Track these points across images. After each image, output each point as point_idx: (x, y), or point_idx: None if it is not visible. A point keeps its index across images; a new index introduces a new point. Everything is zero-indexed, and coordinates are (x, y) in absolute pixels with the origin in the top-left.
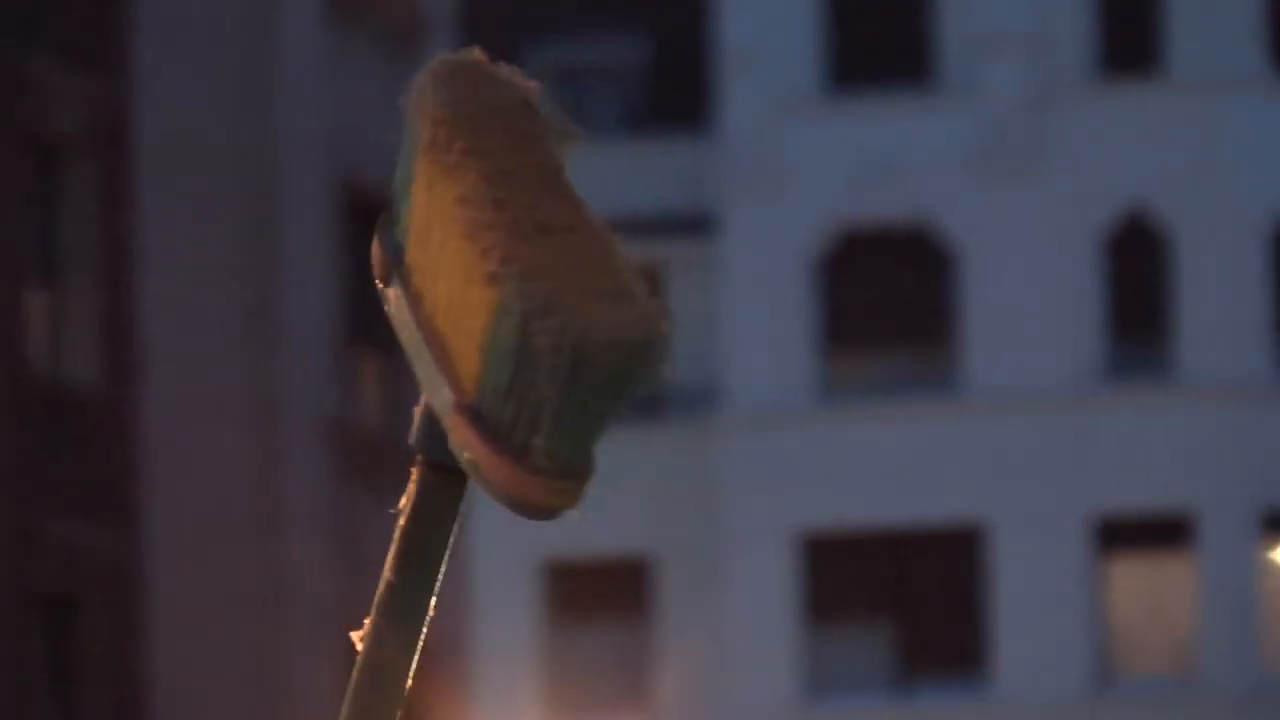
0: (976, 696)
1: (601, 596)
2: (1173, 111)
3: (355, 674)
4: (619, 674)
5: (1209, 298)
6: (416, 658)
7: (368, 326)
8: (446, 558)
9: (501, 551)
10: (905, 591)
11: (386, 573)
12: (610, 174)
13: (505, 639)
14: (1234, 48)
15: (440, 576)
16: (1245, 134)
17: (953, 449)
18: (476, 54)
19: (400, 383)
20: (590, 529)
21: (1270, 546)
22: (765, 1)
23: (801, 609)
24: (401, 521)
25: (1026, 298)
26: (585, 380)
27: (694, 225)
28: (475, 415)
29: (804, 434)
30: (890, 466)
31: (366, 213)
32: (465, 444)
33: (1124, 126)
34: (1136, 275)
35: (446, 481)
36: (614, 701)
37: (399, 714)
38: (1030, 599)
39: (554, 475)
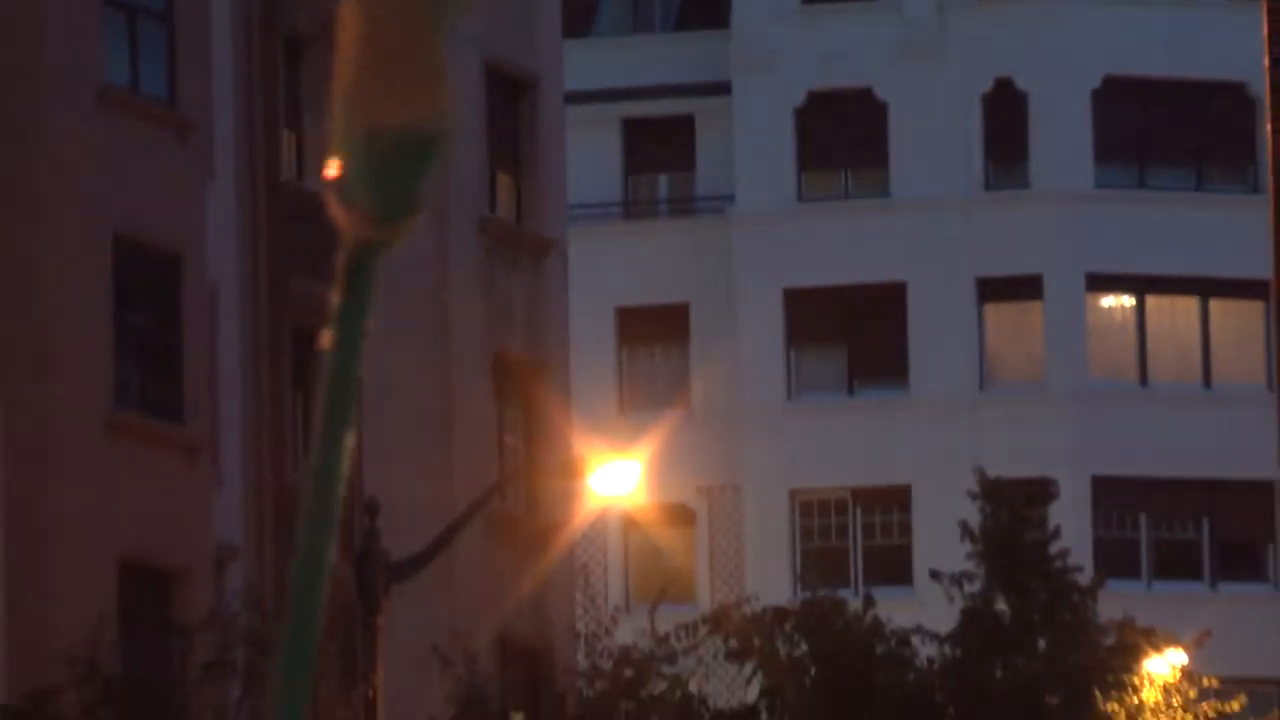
0: (901, 396)
1: (655, 330)
2: (1033, 13)
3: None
4: (667, 384)
5: (1055, 132)
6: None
7: None
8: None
9: (586, 300)
10: (853, 327)
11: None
12: (660, 56)
13: (592, 361)
14: None
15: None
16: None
17: (886, 234)
18: None
19: None
20: (647, 285)
21: (1095, 298)
22: None
23: (787, 339)
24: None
25: (933, 135)
26: (386, 155)
27: (716, 90)
28: (334, 186)
29: (788, 224)
30: (844, 244)
31: None
32: (331, 207)
33: (996, 23)
34: (1003, 122)
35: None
36: (664, 402)
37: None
38: (936, 333)
39: (377, 220)
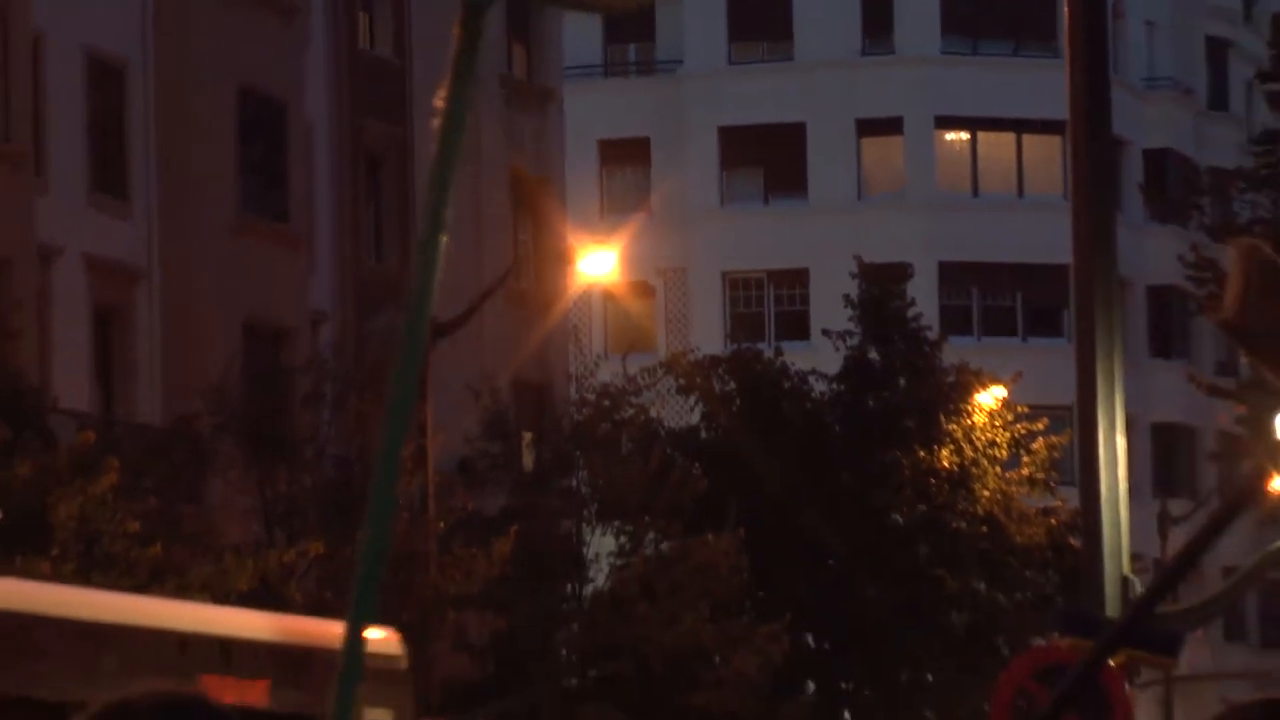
0: (803, 204)
1: (626, 156)
2: None
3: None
4: (635, 195)
5: (912, 8)
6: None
7: None
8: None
9: (576, 134)
10: (768, 155)
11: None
12: None
13: (581, 177)
14: None
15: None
16: None
17: (792, 86)
18: None
19: None
20: (620, 124)
21: (941, 134)
22: None
23: (720, 163)
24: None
25: (825, 9)
26: None
27: None
28: None
29: (722, 81)
30: (762, 94)
31: None
32: None
33: None
34: (877, 3)
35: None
36: (633, 208)
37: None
38: (827, 158)
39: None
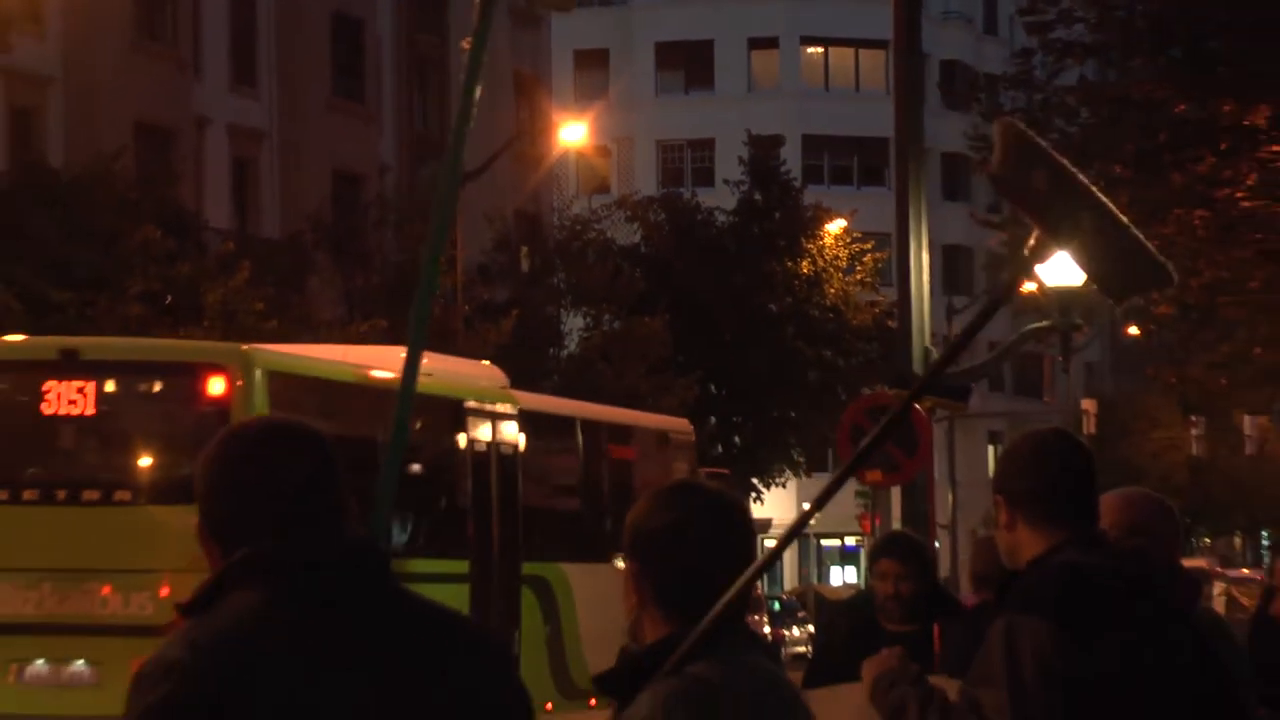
0: (710, 94)
1: (593, 62)
2: None
3: None
4: (599, 89)
5: None
6: None
7: None
8: None
9: (558, 47)
10: (689, 55)
11: None
12: None
13: (561, 76)
14: None
15: None
16: None
17: (702, 15)
18: None
19: None
20: (589, 39)
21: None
22: None
23: (655, 67)
24: None
25: None
26: None
27: None
28: None
29: (655, 13)
30: (683, 22)
31: None
32: None
33: None
34: None
35: None
36: (597, 97)
37: None
38: (734, 71)
39: None
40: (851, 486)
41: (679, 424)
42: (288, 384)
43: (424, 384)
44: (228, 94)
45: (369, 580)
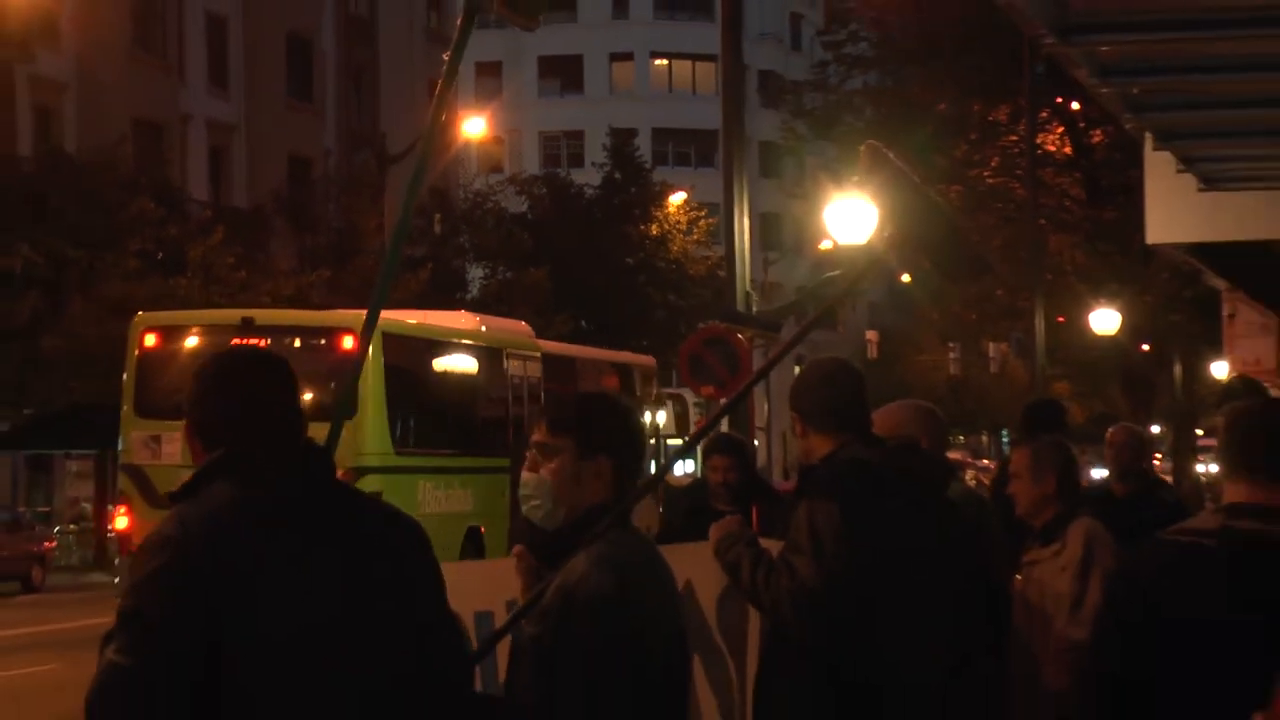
0: (580, 98)
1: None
2: None
3: None
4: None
5: None
6: None
7: None
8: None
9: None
10: (564, 66)
11: None
12: None
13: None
14: None
15: None
16: None
17: (574, 35)
18: None
19: None
20: (483, 51)
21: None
22: None
23: (537, 79)
24: None
25: None
26: None
27: None
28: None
29: (540, 29)
30: (560, 40)
31: None
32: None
33: None
34: None
35: None
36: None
37: None
38: (601, 47)
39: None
40: (690, 398)
41: (645, 360)
42: (392, 340)
43: (478, 337)
44: (206, 95)
45: (317, 474)
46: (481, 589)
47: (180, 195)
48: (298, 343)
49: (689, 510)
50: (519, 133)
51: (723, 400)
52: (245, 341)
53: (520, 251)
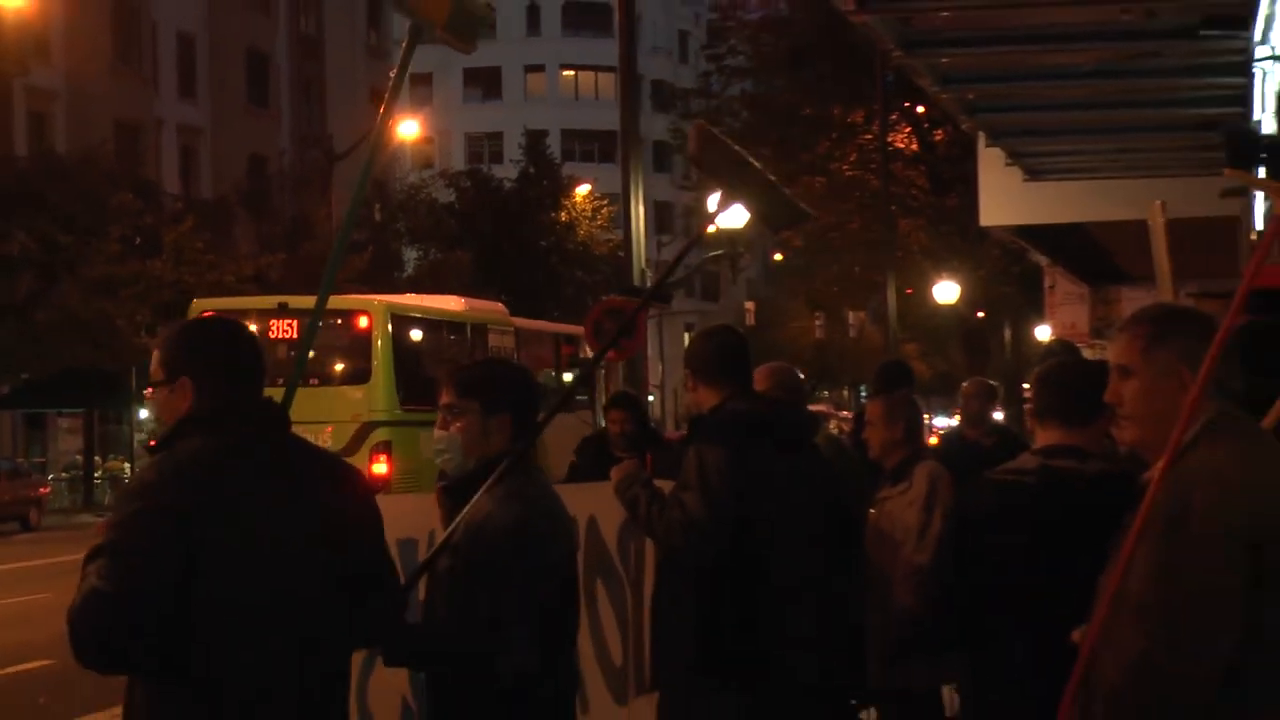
0: (499, 103)
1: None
2: None
3: None
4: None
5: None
6: None
7: None
8: None
9: None
10: (485, 76)
11: None
12: None
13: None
14: None
15: None
16: None
17: (495, 50)
18: None
19: None
20: (417, 64)
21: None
22: None
23: (462, 87)
24: None
25: None
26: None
27: None
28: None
29: None
30: (481, 53)
31: None
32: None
33: None
34: None
35: None
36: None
37: None
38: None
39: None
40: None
41: (500, 313)
42: (398, 318)
43: (465, 315)
44: (177, 102)
45: (275, 426)
46: (408, 519)
47: (155, 189)
48: (326, 321)
49: (594, 455)
50: (447, 134)
51: (620, 362)
52: (280, 322)
53: (448, 236)
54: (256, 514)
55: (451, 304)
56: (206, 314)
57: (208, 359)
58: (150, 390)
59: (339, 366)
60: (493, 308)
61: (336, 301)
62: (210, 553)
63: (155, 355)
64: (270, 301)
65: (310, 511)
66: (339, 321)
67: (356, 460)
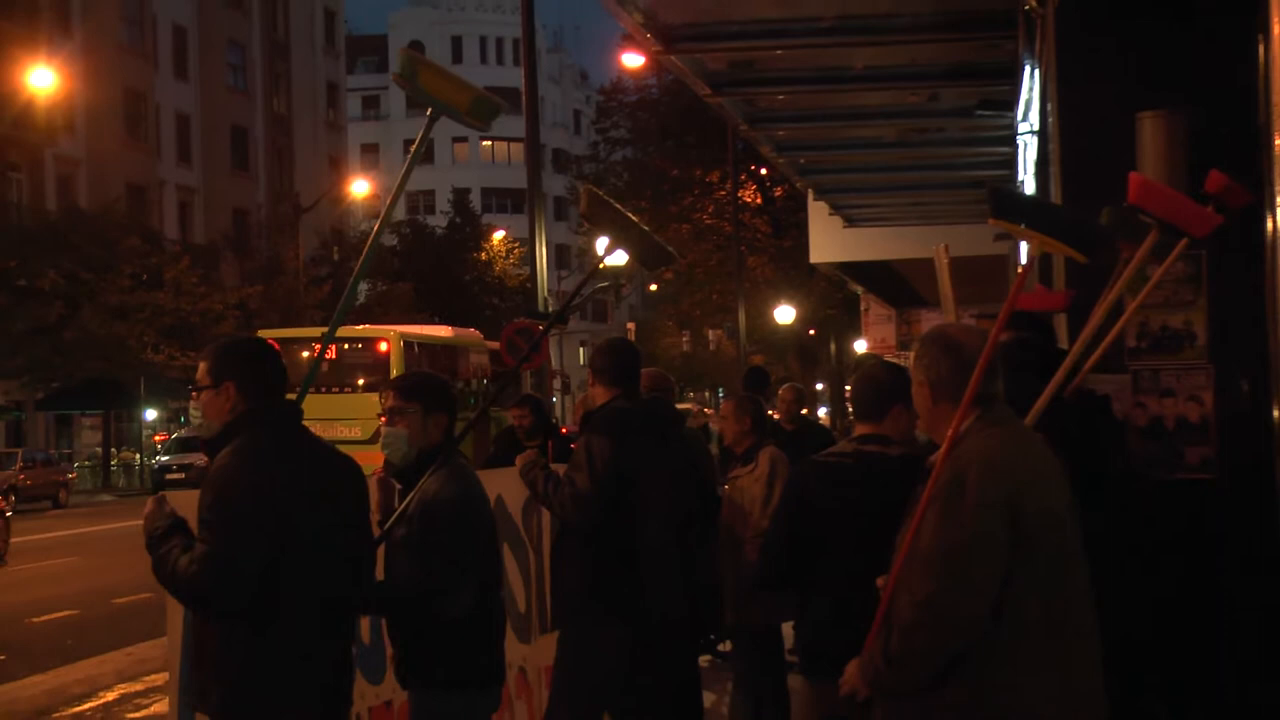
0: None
1: None
2: None
3: None
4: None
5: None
6: None
7: None
8: None
9: None
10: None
11: None
12: None
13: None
14: None
15: None
16: None
17: None
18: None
19: None
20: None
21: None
22: None
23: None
24: None
25: None
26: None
27: None
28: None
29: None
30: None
31: None
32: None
33: None
34: None
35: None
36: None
37: None
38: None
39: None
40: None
41: (476, 336)
42: (407, 343)
43: (449, 340)
44: (176, 167)
45: (301, 427)
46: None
47: (158, 236)
48: (346, 346)
49: (505, 444)
50: (390, 191)
51: (528, 371)
52: (318, 347)
53: (392, 272)
54: (310, 495)
55: (443, 332)
56: (271, 341)
57: (246, 368)
58: (195, 393)
59: (362, 380)
60: (472, 334)
61: (362, 330)
62: (285, 523)
63: (201, 365)
64: (316, 331)
65: (336, 492)
66: (362, 346)
67: (376, 449)
